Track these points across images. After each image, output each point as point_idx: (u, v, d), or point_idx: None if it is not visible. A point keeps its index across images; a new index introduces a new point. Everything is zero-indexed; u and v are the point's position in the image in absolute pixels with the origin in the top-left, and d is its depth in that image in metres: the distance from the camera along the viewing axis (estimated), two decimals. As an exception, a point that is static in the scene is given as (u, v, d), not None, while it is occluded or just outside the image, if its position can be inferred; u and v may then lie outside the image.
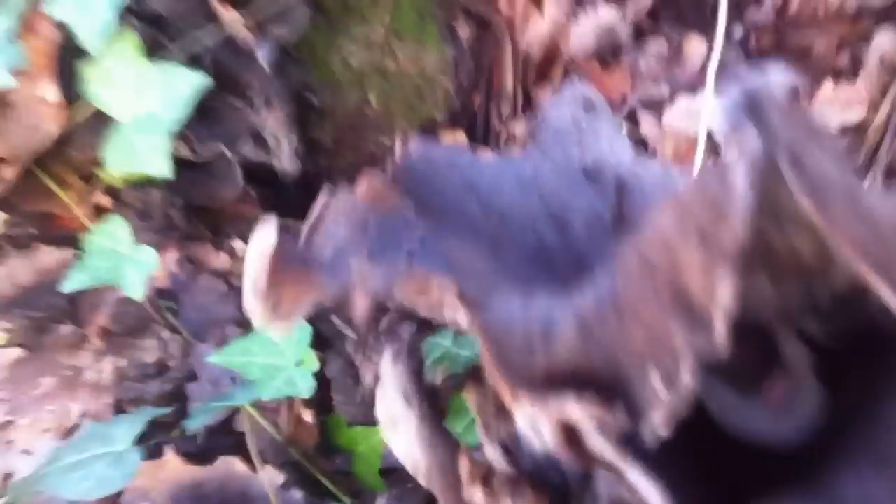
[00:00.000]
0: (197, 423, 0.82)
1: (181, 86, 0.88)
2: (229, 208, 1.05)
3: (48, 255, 1.00)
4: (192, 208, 1.02)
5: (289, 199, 1.09)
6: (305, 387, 0.80)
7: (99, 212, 1.00)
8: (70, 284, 0.87)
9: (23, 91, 0.89)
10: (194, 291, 0.98)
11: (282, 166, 1.06)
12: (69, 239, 1.00)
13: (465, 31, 1.14)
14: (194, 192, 1.00)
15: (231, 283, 1.00)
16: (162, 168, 0.87)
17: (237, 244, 1.03)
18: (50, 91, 0.90)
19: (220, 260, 1.02)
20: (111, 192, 0.99)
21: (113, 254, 0.87)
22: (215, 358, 0.82)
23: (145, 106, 0.88)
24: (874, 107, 1.04)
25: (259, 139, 1.04)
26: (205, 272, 0.99)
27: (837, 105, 1.05)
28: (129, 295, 0.86)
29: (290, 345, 0.82)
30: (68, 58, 0.91)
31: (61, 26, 0.89)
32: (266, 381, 0.81)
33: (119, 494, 0.77)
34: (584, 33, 1.16)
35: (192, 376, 0.91)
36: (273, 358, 0.83)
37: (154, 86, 0.87)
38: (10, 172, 0.92)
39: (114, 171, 0.91)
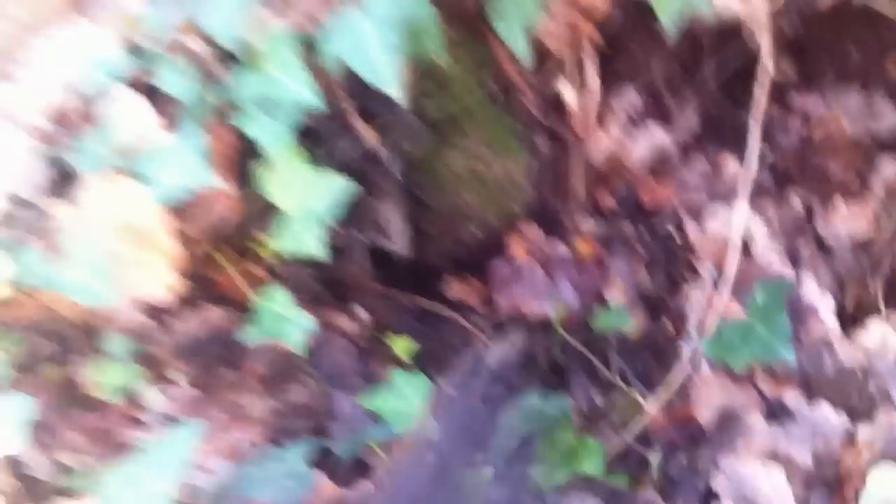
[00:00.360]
0: (346, 452, 1.05)
1: (334, 187, 1.13)
2: (355, 281, 1.30)
3: (214, 313, 1.24)
4: (327, 280, 1.26)
5: (399, 275, 1.34)
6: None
7: (253, 280, 1.25)
8: (246, 337, 1.11)
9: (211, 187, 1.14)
10: (329, 348, 1.22)
11: (396, 249, 1.31)
12: (228, 301, 1.25)
13: (543, 144, 1.38)
14: (332, 268, 1.24)
15: (356, 342, 1.24)
16: (319, 250, 1.12)
17: (359, 311, 1.28)
18: (231, 188, 1.15)
19: (347, 323, 1.26)
20: (266, 265, 1.24)
21: (279, 316, 1.11)
22: (360, 401, 1.05)
23: (306, 201, 1.12)
24: (878, 224, 1.28)
25: (380, 227, 1.29)
26: (336, 333, 1.23)
27: (848, 221, 1.29)
28: (293, 350, 1.09)
29: (414, 391, 1.06)
30: (245, 159, 1.16)
31: (242, 135, 1.14)
32: (397, 421, 1.05)
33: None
34: (639, 150, 1.40)
35: (331, 415, 1.15)
36: (400, 403, 1.07)
37: (314, 186, 1.12)
38: (198, 250, 1.17)
39: (278, 251, 1.15)
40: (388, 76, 1.04)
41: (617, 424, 1.05)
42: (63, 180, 1.23)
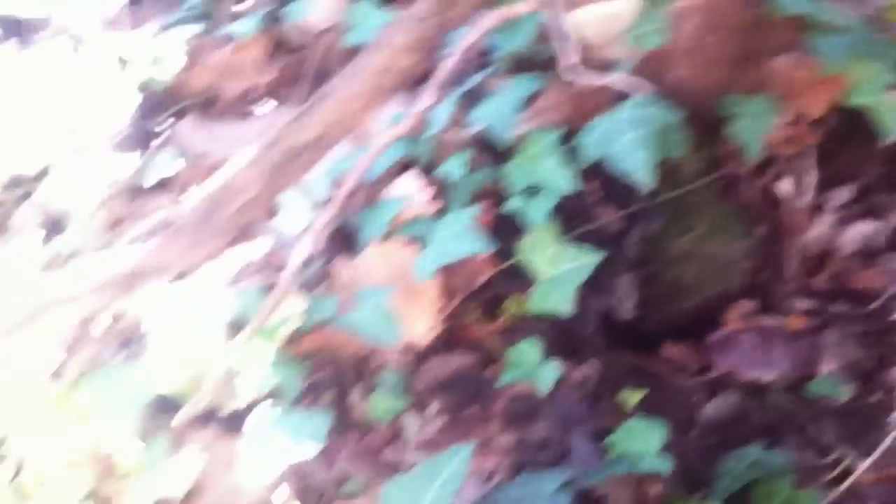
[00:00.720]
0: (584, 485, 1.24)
1: (583, 257, 1.33)
2: (586, 339, 1.49)
3: (463, 358, 1.46)
4: (564, 337, 1.47)
5: (623, 337, 1.53)
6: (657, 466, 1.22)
7: (498, 332, 1.47)
8: (500, 380, 1.33)
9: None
10: (565, 394, 1.41)
11: (622, 313, 1.51)
12: (476, 348, 1.47)
13: (760, 231, 1.55)
14: (569, 326, 1.45)
15: (588, 391, 1.43)
16: (566, 309, 1.32)
17: (591, 364, 1.47)
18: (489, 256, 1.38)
19: (579, 373, 1.45)
20: (510, 321, 1.46)
21: (530, 362, 1.32)
22: (604, 442, 1.24)
23: (559, 267, 1.34)
24: None
25: (612, 293, 1.49)
26: (570, 381, 1.43)
27: None
28: (542, 392, 1.30)
29: (652, 435, 1.24)
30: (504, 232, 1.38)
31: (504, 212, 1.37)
32: (636, 461, 1.23)
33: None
34: (850, 238, 1.55)
35: (569, 452, 1.34)
36: (635, 442, 1.25)
37: (566, 256, 1.33)
38: (455, 303, 1.40)
39: (525, 309, 1.36)
40: (639, 167, 1.24)
41: (829, 483, 1.20)
42: (351, 242, 1.49)
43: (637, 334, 1.53)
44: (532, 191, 1.34)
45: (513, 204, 1.35)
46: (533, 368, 1.33)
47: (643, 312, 1.52)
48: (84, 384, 1.30)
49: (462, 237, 1.35)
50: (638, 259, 1.48)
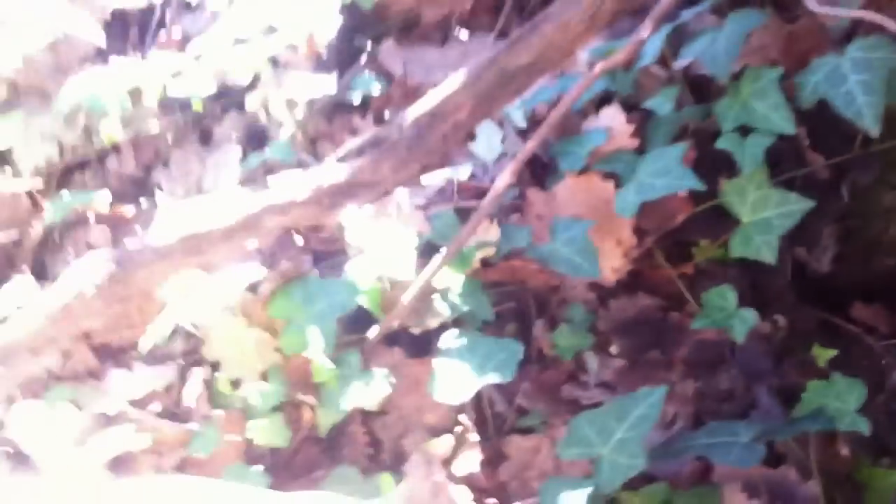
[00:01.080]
0: (774, 437, 1.21)
1: (791, 203, 1.29)
2: (776, 290, 1.45)
3: (647, 301, 1.44)
4: (753, 286, 1.43)
5: (813, 291, 1.48)
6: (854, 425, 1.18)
7: (684, 277, 1.44)
8: (693, 325, 1.31)
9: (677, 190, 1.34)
10: (752, 346, 1.38)
11: (818, 267, 1.46)
12: (659, 292, 1.44)
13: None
14: (760, 276, 1.41)
15: (774, 344, 1.39)
16: (769, 257, 1.29)
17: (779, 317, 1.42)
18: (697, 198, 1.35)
19: (767, 326, 1.41)
20: (698, 266, 1.43)
21: (726, 310, 1.29)
22: (803, 393, 1.21)
23: (764, 212, 1.30)
24: None
25: (810, 244, 1.44)
26: (758, 334, 1.39)
27: None
28: (736, 340, 1.27)
29: (846, 391, 1.20)
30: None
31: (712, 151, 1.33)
32: (826, 416, 1.19)
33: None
34: None
35: (753, 405, 1.31)
36: (832, 399, 1.21)
37: (773, 200, 1.29)
38: (646, 244, 1.38)
39: (734, 254, 1.32)
40: (865, 112, 1.19)
41: None
42: (546, 173, 1.48)
43: (828, 290, 1.48)
44: (744, 131, 1.29)
45: (722, 143, 1.31)
46: (728, 315, 1.30)
47: (837, 268, 1.46)
48: (283, 294, 1.34)
49: (667, 174, 1.32)
50: (843, 211, 1.42)
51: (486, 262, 1.39)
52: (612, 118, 1.45)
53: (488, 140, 1.52)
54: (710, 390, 1.36)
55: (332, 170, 1.27)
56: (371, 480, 1.27)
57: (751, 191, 1.31)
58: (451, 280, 1.35)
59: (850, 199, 1.42)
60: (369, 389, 1.27)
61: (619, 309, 1.45)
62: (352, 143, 1.30)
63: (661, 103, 1.41)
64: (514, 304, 1.48)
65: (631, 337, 1.43)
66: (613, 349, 1.42)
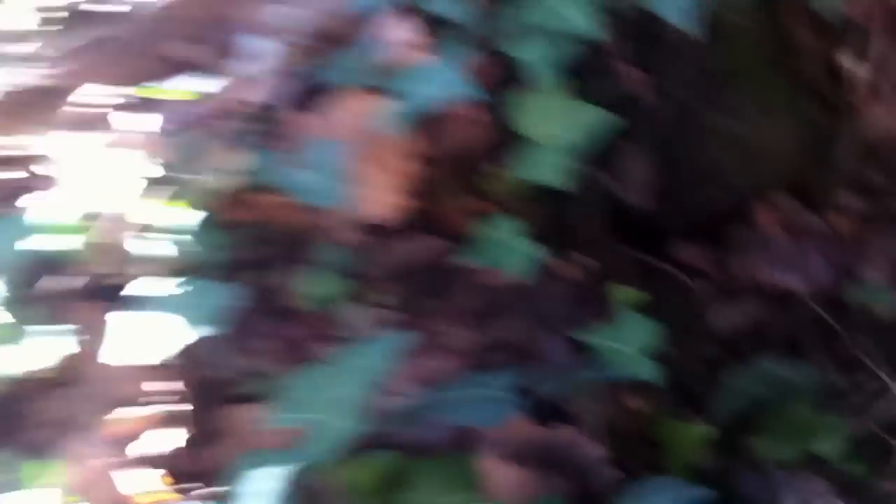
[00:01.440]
0: (548, 392, 1.00)
1: (592, 119, 1.09)
2: (582, 227, 1.25)
3: (429, 242, 1.23)
4: (554, 222, 1.22)
5: (628, 228, 1.28)
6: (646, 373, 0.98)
7: (475, 214, 1.22)
8: (464, 263, 1.09)
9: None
10: (544, 290, 1.17)
11: (634, 201, 1.26)
12: (445, 232, 1.23)
13: (816, 112, 1.28)
14: (562, 210, 1.20)
15: (575, 288, 1.19)
16: (558, 180, 1.08)
17: (583, 257, 1.22)
18: (483, 115, 1.13)
19: (567, 269, 1.21)
20: (492, 199, 1.21)
21: (504, 244, 1.08)
22: (580, 336, 1.00)
23: (559, 130, 1.09)
24: None
25: (623, 175, 1.24)
26: (555, 276, 1.18)
27: None
28: (516, 276, 1.06)
29: (640, 336, 0.99)
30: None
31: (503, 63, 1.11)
32: (616, 365, 0.99)
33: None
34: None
35: (537, 356, 1.10)
36: (621, 344, 1.01)
37: (571, 116, 1.09)
38: (429, 175, 1.16)
39: (511, 182, 1.11)
40: (686, 15, 0.99)
41: (859, 407, 0.94)
42: (313, 93, 1.25)
43: (650, 228, 1.28)
44: (542, 37, 1.09)
45: (515, 50, 1.09)
46: (511, 253, 1.09)
47: (660, 203, 1.27)
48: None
49: (445, 84, 1.10)
50: (664, 136, 1.22)
51: (232, 197, 1.16)
52: (394, 27, 1.23)
53: (254, 53, 1.29)
54: (491, 341, 1.14)
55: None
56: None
57: (545, 104, 1.09)
58: (185, 218, 1.12)
59: (676, 122, 1.24)
60: (50, 349, 1.04)
61: (391, 252, 1.23)
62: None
63: (449, 5, 1.19)
64: (263, 246, 1.25)
65: (403, 284, 1.21)
66: (379, 298, 1.20)
